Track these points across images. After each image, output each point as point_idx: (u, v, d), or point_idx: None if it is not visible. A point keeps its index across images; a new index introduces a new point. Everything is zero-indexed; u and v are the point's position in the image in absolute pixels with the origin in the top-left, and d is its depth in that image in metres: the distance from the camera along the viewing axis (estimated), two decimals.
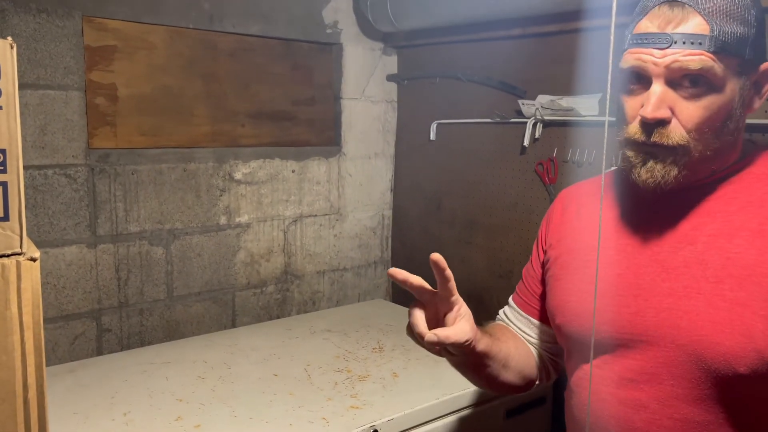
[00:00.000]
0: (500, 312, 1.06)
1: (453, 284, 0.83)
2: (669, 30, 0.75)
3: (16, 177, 0.64)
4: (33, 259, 0.67)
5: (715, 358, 0.74)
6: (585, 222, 0.91)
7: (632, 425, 0.79)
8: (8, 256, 0.65)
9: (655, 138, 0.76)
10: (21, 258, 0.65)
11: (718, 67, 0.74)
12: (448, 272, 0.82)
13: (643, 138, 0.77)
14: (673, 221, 0.81)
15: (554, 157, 1.63)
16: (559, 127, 1.62)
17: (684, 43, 0.74)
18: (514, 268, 1.80)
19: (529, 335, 0.99)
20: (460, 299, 0.85)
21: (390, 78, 2.08)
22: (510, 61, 1.73)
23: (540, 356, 0.98)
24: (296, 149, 1.91)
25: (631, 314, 0.80)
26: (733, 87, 0.76)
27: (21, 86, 1.23)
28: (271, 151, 1.85)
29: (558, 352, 0.97)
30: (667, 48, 0.74)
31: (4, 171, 0.63)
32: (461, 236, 1.95)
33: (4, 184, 0.63)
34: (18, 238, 0.65)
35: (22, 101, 1.39)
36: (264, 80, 1.86)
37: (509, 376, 0.93)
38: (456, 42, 1.86)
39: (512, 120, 1.72)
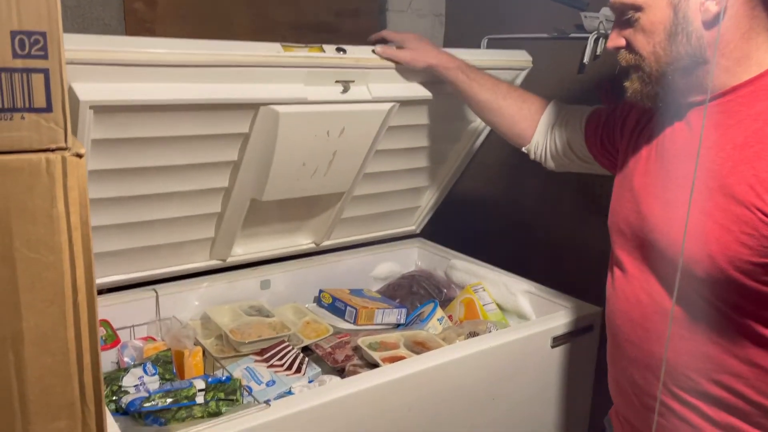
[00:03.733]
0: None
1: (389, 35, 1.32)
2: None
3: (57, 64, 0.59)
4: (79, 155, 0.63)
5: (686, 263, 0.85)
6: (641, 133, 1.03)
7: (631, 317, 0.97)
8: (53, 150, 0.61)
9: (620, 60, 0.96)
10: (66, 153, 0.61)
11: None
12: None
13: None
14: (685, 136, 0.92)
15: (616, 74, 1.52)
16: None
17: None
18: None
19: (559, 129, 1.22)
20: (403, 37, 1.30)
21: None
22: None
23: (545, 142, 1.26)
24: None
25: (640, 219, 0.95)
26: (663, 4, 0.87)
27: None
28: None
29: (554, 159, 1.29)
30: None
31: (45, 56, 0.58)
32: (511, 160, 1.87)
33: (46, 72, 0.58)
34: (62, 131, 0.61)
35: None
36: None
37: (494, 119, 1.30)
38: None
39: (571, 35, 1.60)
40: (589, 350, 1.40)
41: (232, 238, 1.44)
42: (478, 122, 1.57)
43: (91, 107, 0.97)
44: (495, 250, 1.90)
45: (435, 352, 1.19)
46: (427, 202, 1.75)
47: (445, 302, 1.68)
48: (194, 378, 1.10)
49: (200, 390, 1.06)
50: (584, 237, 1.69)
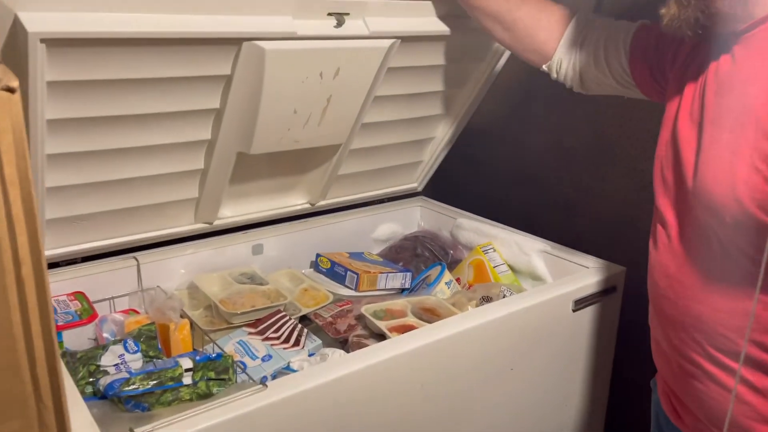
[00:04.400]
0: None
1: None
2: None
3: None
4: (11, 90, 0.49)
5: (715, 208, 0.76)
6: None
7: (667, 271, 0.87)
8: None
9: None
10: None
11: None
12: None
13: None
14: (728, 69, 0.80)
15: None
16: None
17: None
18: None
19: (590, 47, 1.06)
20: None
21: None
22: None
23: (571, 60, 1.09)
24: None
25: (678, 163, 0.85)
26: None
27: None
28: None
29: (582, 81, 1.11)
30: None
31: None
32: (519, 108, 1.73)
33: None
34: None
35: None
36: None
37: (508, 34, 1.13)
38: None
39: None
40: (611, 313, 1.29)
41: (219, 198, 1.30)
42: (487, 63, 1.42)
43: (42, 41, 0.82)
44: (503, 207, 1.77)
45: (448, 320, 1.07)
46: (430, 156, 1.61)
47: (452, 264, 1.56)
48: (180, 356, 0.98)
49: (187, 370, 0.94)
50: (600, 191, 1.57)
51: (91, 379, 1.00)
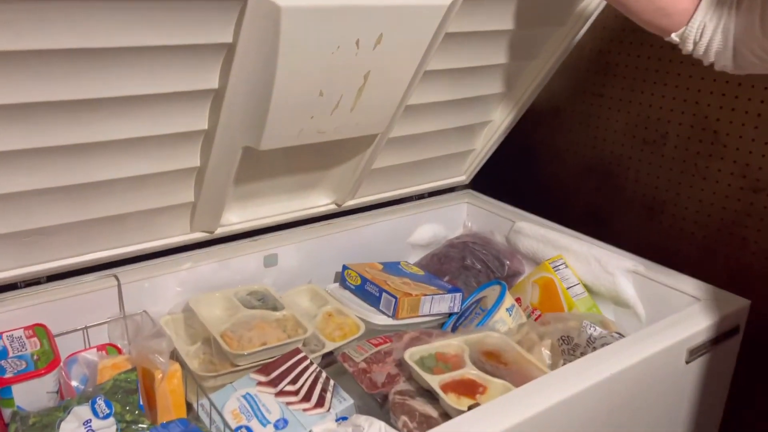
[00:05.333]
0: None
1: None
2: None
3: None
4: None
5: None
6: None
7: None
8: None
9: None
10: None
11: None
12: None
13: None
14: None
15: None
16: None
17: None
18: None
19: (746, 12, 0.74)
20: None
21: None
22: None
23: (716, 27, 0.77)
24: None
25: None
26: None
27: None
28: None
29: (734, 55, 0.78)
30: None
31: None
32: (591, 86, 1.41)
33: None
34: None
35: None
36: None
37: None
38: None
39: None
40: (729, 360, 1.00)
41: (221, 201, 1.01)
42: (567, 30, 1.10)
43: None
44: (567, 207, 1.47)
45: (529, 389, 0.78)
46: (484, 144, 1.30)
47: (509, 279, 1.27)
48: None
49: None
50: (696, 190, 1.25)
51: None
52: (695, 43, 0.80)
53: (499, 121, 1.26)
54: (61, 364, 0.90)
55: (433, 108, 1.11)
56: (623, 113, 1.35)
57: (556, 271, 1.16)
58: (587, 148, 1.43)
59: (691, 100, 1.24)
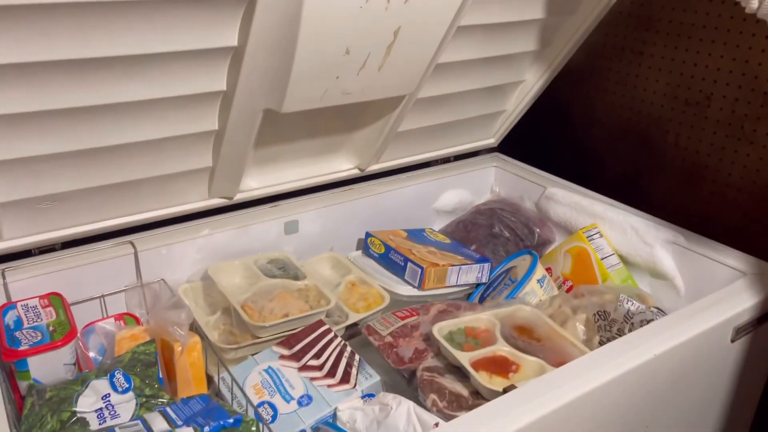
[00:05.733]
0: None
1: None
2: None
3: None
4: None
5: None
6: None
7: None
8: None
9: None
10: None
11: None
12: None
13: None
14: None
15: None
16: None
17: None
18: None
19: None
20: None
21: None
22: None
23: None
24: None
25: None
26: None
27: None
28: None
29: None
30: None
31: None
32: (630, 42, 1.32)
33: None
34: None
35: None
36: None
37: None
38: None
39: None
40: None
41: (240, 166, 0.96)
42: None
43: None
44: (600, 171, 1.40)
45: (573, 368, 0.73)
46: (516, 105, 1.23)
47: (539, 248, 1.22)
48: (182, 426, 0.67)
49: None
50: (743, 156, 1.18)
51: None
52: (761, 1, 0.72)
53: (532, 80, 1.19)
54: (78, 334, 0.88)
55: (464, 67, 1.04)
56: (665, 72, 1.27)
57: (590, 240, 1.10)
58: (625, 109, 1.35)
59: (740, 59, 1.15)
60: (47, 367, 0.82)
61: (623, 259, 1.10)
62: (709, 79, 1.20)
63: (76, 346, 0.87)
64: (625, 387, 0.74)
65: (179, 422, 0.69)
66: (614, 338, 0.91)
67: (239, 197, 1.03)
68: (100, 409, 0.75)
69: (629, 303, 0.94)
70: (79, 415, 0.74)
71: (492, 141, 1.32)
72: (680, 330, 0.79)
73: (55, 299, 0.90)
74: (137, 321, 0.96)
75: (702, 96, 1.22)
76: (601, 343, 0.92)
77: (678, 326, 0.79)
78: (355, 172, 1.15)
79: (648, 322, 0.90)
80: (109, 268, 0.97)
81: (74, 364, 0.85)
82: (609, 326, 0.93)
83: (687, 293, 1.03)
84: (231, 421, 0.67)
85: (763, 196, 1.16)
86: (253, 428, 0.67)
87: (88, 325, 0.92)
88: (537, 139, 1.50)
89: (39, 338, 0.82)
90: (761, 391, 1.01)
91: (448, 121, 1.17)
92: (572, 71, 1.33)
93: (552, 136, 1.51)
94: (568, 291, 1.10)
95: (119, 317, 0.95)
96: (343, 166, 1.12)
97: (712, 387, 0.89)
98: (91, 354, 0.88)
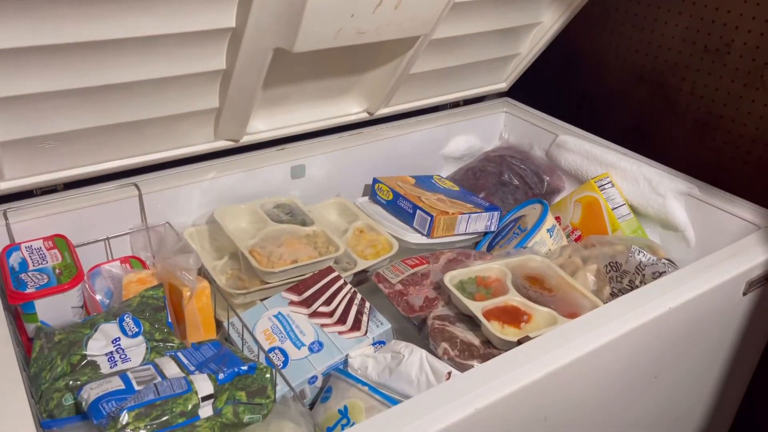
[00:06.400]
0: None
1: None
2: None
3: None
4: None
5: None
6: None
7: None
8: None
9: None
10: None
11: None
12: None
13: None
14: None
15: None
16: None
17: None
18: None
19: None
20: None
21: None
22: None
23: None
24: None
25: None
26: None
27: None
28: None
29: None
30: None
31: None
32: None
33: None
34: None
35: None
36: None
37: None
38: None
39: None
40: None
41: (247, 108, 0.93)
42: None
43: None
44: (611, 118, 1.37)
45: (588, 320, 0.73)
46: (530, 48, 1.19)
47: (548, 196, 1.20)
48: (195, 370, 0.67)
49: (206, 398, 0.63)
50: (761, 106, 1.15)
51: (71, 380, 0.70)
52: None
53: (549, 23, 1.15)
54: (85, 278, 0.86)
55: (482, 6, 0.99)
56: (684, 17, 1.22)
57: (601, 190, 1.09)
58: (639, 55, 1.31)
59: (764, 4, 1.11)
60: (55, 310, 0.81)
61: (634, 210, 1.09)
62: (731, 25, 1.16)
63: (84, 290, 0.86)
64: (639, 339, 0.74)
65: (192, 368, 0.68)
66: (626, 290, 0.91)
67: (246, 140, 1.01)
68: (111, 352, 0.75)
69: (641, 254, 0.93)
70: (89, 358, 0.74)
71: (503, 85, 1.28)
72: (696, 283, 0.78)
73: (59, 241, 0.88)
74: (143, 264, 0.95)
75: (722, 42, 1.18)
76: (613, 295, 0.92)
77: (694, 279, 0.79)
78: (364, 116, 1.11)
79: (660, 274, 0.90)
80: (113, 210, 0.95)
81: (82, 307, 0.85)
82: (620, 277, 0.93)
83: (697, 245, 1.02)
84: (245, 368, 0.67)
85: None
86: (267, 375, 0.67)
87: (93, 267, 0.91)
88: (547, 84, 1.46)
89: (45, 281, 0.81)
90: (766, 341, 1.02)
91: (461, 64, 1.13)
92: (587, 14, 1.28)
93: (562, 80, 1.47)
94: (576, 240, 1.09)
95: (125, 260, 0.94)
96: (352, 110, 1.09)
97: (721, 338, 0.89)
98: (98, 297, 0.87)
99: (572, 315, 0.80)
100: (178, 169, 1.00)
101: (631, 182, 1.09)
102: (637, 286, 0.90)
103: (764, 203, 1.01)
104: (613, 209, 1.08)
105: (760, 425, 1.23)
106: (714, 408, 1.00)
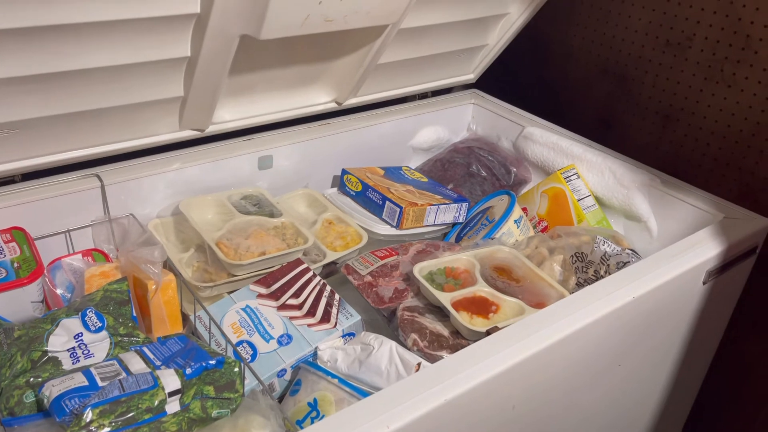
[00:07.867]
0: None
1: None
2: None
3: None
4: None
5: None
6: None
7: None
8: None
9: None
10: None
11: None
12: None
13: None
14: None
15: None
16: None
17: None
18: None
19: None
20: None
21: None
22: None
23: None
24: None
25: None
26: None
27: None
28: None
29: None
30: None
31: None
32: None
33: None
34: None
35: None
36: None
37: None
38: None
39: None
40: (740, 281, 0.98)
41: (213, 97, 0.91)
42: None
43: None
44: (577, 109, 1.39)
45: (555, 310, 0.74)
46: (498, 39, 1.20)
47: (515, 187, 1.21)
48: (161, 365, 0.65)
49: (173, 393, 0.62)
50: (720, 99, 1.18)
51: (32, 377, 0.68)
52: None
53: (516, 14, 1.15)
54: (45, 271, 0.84)
55: None
56: (647, 11, 1.24)
57: (567, 181, 1.10)
58: (604, 47, 1.33)
59: (726, 2, 1.13)
60: (13, 305, 0.79)
61: (599, 201, 1.11)
62: (693, 19, 1.18)
63: (44, 284, 0.83)
64: (605, 328, 0.75)
65: (158, 363, 0.67)
66: (591, 279, 0.93)
67: (211, 129, 0.99)
68: (73, 348, 0.73)
69: (605, 245, 0.95)
70: (50, 354, 0.72)
71: (471, 76, 1.29)
72: (658, 273, 0.80)
73: (18, 234, 0.85)
74: (106, 257, 0.93)
75: (683, 36, 1.21)
76: (579, 285, 0.93)
77: (657, 269, 0.81)
78: (332, 106, 1.10)
79: (624, 264, 0.91)
80: (74, 202, 0.92)
81: (42, 302, 0.82)
82: (586, 268, 0.94)
83: (659, 235, 1.04)
84: (213, 362, 0.66)
85: (734, 140, 1.17)
86: (236, 369, 0.66)
87: (54, 261, 0.88)
88: (513, 76, 1.47)
89: (3, 275, 0.78)
90: (725, 326, 1.05)
91: (429, 54, 1.13)
92: (552, 6, 1.29)
93: (528, 72, 1.48)
94: (543, 231, 1.11)
95: (87, 253, 0.91)
96: (320, 99, 1.08)
97: (682, 325, 0.91)
98: (59, 291, 0.85)
99: (539, 305, 0.81)
100: (141, 160, 0.98)
101: (596, 174, 1.11)
102: (602, 276, 0.92)
103: (723, 194, 1.04)
104: (579, 200, 1.09)
105: (719, 408, 1.28)
106: (674, 393, 1.02)
